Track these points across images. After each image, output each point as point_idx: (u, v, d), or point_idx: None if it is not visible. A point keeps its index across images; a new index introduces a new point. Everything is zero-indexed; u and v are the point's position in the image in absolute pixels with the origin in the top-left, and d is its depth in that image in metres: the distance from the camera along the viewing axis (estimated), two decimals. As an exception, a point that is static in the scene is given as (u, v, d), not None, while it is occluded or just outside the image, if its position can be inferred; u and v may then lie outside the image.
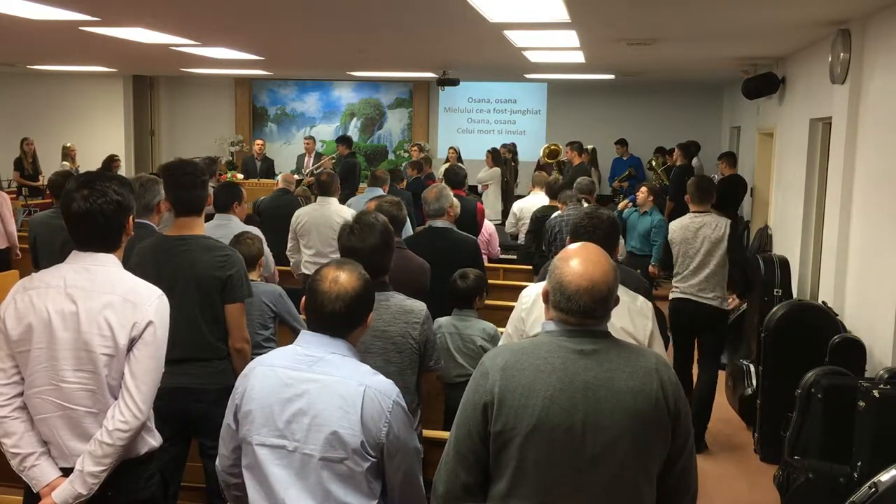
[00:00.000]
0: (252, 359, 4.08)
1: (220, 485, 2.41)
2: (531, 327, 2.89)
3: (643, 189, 8.02)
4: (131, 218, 2.53)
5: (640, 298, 2.98)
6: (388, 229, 3.05)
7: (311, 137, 12.29)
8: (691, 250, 5.32)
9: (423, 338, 3.01)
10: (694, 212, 5.47)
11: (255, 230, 4.63)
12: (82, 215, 2.40)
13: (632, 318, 2.87)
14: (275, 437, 2.16)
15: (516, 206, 7.86)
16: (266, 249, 4.58)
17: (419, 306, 3.05)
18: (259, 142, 12.64)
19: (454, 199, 4.99)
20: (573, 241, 2.92)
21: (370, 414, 2.14)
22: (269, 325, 4.29)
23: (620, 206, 8.74)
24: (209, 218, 4.88)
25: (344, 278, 2.23)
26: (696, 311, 5.31)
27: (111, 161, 10.04)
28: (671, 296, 5.53)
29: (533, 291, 3.00)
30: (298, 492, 2.14)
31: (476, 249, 4.81)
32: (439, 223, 4.69)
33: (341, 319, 2.23)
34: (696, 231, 5.34)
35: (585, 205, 6.33)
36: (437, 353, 3.13)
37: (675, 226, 5.54)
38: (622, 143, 12.49)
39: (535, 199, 7.54)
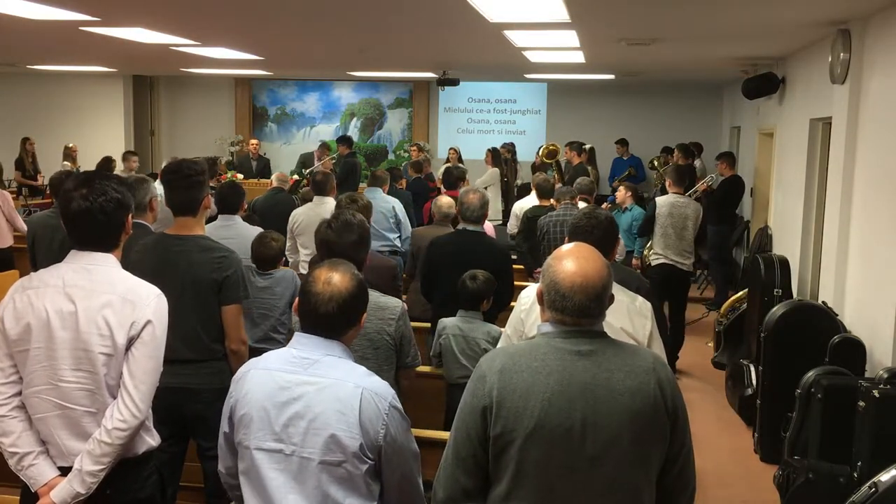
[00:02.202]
0: (269, 339, 4.26)
1: (224, 486, 2.40)
2: (530, 328, 2.88)
3: (621, 188, 8.15)
4: (130, 217, 2.53)
5: (640, 299, 2.97)
6: (364, 226, 3.13)
7: (328, 147, 11.34)
8: (674, 223, 6.61)
9: (399, 334, 3.05)
10: (674, 192, 6.83)
11: (259, 230, 4.69)
12: (81, 214, 2.40)
13: (631, 318, 2.86)
14: (272, 441, 2.15)
15: (517, 207, 7.86)
16: None
17: (394, 303, 3.09)
18: (254, 141, 12.61)
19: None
20: (571, 241, 2.93)
21: (367, 416, 2.13)
22: (286, 309, 4.39)
23: (603, 207, 8.76)
24: (213, 218, 4.91)
25: (337, 279, 2.22)
26: (671, 273, 6.62)
27: (111, 162, 10.02)
28: (652, 262, 6.76)
29: (532, 292, 2.99)
30: (297, 496, 2.13)
31: (508, 258, 4.82)
32: (472, 227, 4.70)
33: (335, 321, 2.21)
34: (680, 208, 6.69)
35: (583, 205, 6.40)
36: (415, 349, 3.15)
37: (662, 202, 6.75)
38: (623, 142, 12.49)
39: (535, 200, 7.53)
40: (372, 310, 2.95)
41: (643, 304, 2.95)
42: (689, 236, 6.68)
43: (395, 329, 3.03)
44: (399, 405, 2.22)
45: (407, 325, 3.10)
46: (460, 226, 4.80)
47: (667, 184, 7.03)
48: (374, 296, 3.02)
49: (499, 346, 3.14)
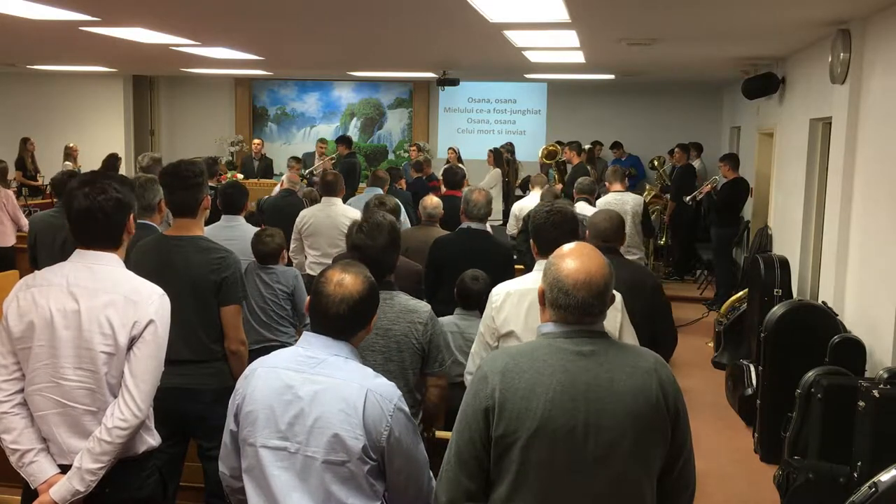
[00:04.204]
0: (272, 334, 4.24)
1: (225, 489, 2.40)
2: (501, 325, 2.95)
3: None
4: (132, 217, 2.54)
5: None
6: (395, 228, 3.08)
7: (325, 140, 12.13)
8: None
9: (427, 338, 2.98)
10: (614, 191, 7.15)
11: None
12: (83, 212, 2.42)
13: None
14: (277, 439, 2.15)
15: (516, 208, 7.86)
16: None
17: (423, 307, 3.03)
18: (257, 141, 12.66)
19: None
20: (540, 239, 2.96)
21: (371, 417, 2.13)
22: (287, 305, 4.41)
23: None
24: (217, 218, 4.93)
25: (349, 281, 2.22)
26: None
27: (117, 159, 10.00)
28: None
29: (503, 290, 3.04)
30: (300, 494, 2.13)
31: (510, 257, 4.84)
32: (476, 225, 4.71)
33: (345, 322, 2.22)
34: (618, 206, 6.61)
35: (582, 204, 6.49)
36: (443, 356, 3.08)
37: (600, 203, 6.86)
38: (617, 145, 12.52)
39: (535, 200, 7.54)
40: (401, 312, 2.95)
41: (613, 296, 2.97)
42: (630, 231, 6.73)
43: (423, 334, 2.96)
44: (405, 407, 2.21)
45: (436, 331, 3.03)
46: (464, 224, 4.81)
47: (606, 184, 7.33)
48: (404, 299, 3.01)
49: (474, 345, 3.17)
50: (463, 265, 4.33)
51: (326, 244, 5.83)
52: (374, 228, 3.01)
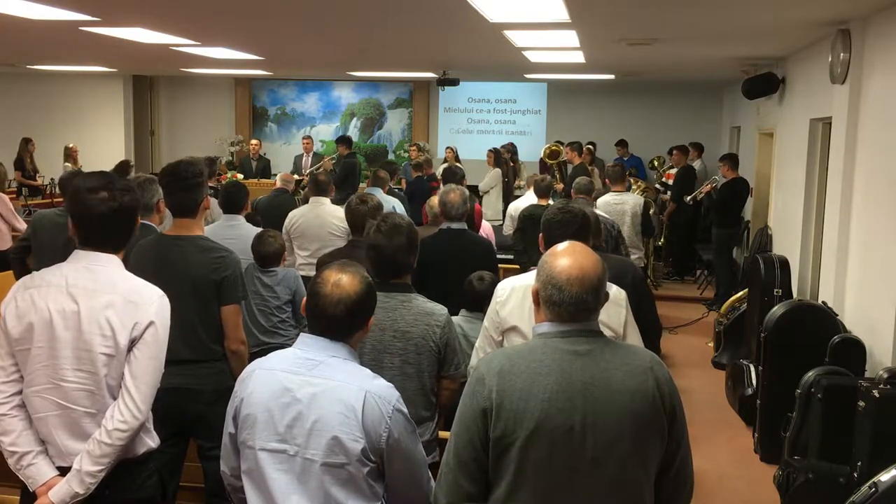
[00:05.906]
0: (274, 336, 4.24)
1: (226, 487, 2.40)
2: (505, 319, 2.96)
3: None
4: (136, 221, 2.54)
5: (614, 287, 2.97)
6: (413, 230, 3.06)
7: (310, 137, 12.38)
8: (617, 221, 6.61)
9: (444, 341, 2.97)
10: (614, 191, 7.19)
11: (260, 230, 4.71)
12: (85, 214, 2.41)
13: (606, 307, 2.88)
14: (275, 442, 2.15)
15: (512, 208, 7.85)
16: None
17: (440, 309, 3.02)
18: (255, 142, 12.68)
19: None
20: (546, 236, 2.97)
21: (370, 419, 2.12)
22: (287, 308, 4.42)
23: None
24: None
25: (346, 281, 2.21)
26: None
27: (129, 166, 9.99)
28: None
29: (508, 285, 3.05)
30: (300, 497, 2.13)
31: (492, 252, 4.87)
32: (456, 225, 4.73)
33: (343, 323, 2.21)
34: (617, 206, 6.96)
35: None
36: (458, 358, 3.08)
37: (600, 202, 6.93)
38: (622, 143, 12.50)
39: (530, 199, 7.55)
40: (419, 315, 2.94)
41: (618, 293, 2.97)
42: (630, 231, 6.93)
43: (441, 336, 2.96)
44: (404, 408, 2.20)
45: (451, 333, 3.03)
46: (444, 225, 4.82)
47: (606, 182, 7.43)
48: (420, 301, 3.00)
49: (478, 340, 3.17)
50: (446, 265, 4.38)
51: (316, 244, 5.78)
52: (392, 229, 2.99)
